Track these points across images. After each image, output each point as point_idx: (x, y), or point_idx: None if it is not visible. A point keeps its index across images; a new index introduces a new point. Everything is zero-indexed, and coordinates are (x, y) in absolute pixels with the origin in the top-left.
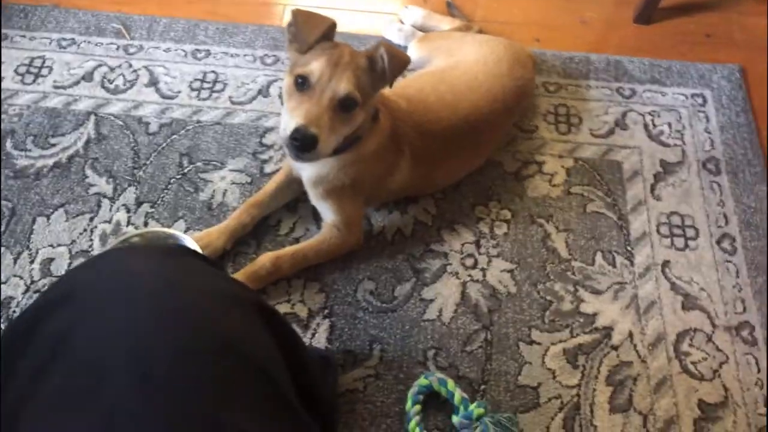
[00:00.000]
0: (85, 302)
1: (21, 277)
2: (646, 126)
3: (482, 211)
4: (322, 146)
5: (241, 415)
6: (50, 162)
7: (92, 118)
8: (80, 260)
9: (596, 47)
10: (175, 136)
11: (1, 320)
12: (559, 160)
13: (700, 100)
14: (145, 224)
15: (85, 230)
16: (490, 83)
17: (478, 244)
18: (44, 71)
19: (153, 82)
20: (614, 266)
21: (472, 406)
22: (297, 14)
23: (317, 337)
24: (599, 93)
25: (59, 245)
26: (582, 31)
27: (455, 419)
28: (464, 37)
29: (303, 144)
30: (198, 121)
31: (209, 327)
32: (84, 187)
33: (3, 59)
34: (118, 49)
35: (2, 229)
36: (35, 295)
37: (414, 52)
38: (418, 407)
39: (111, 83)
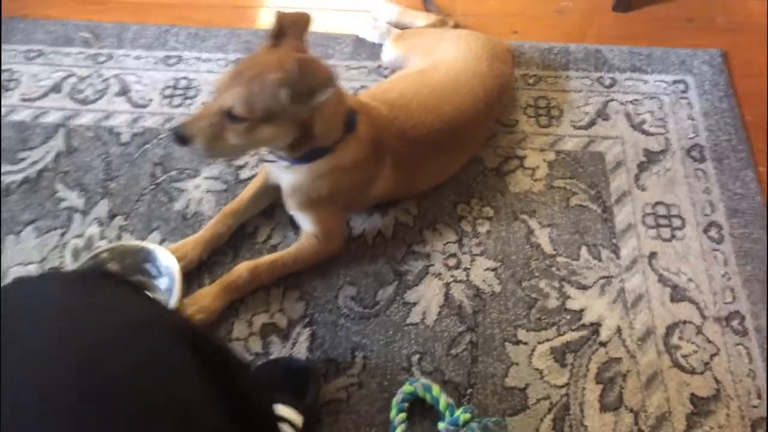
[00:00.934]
0: None
1: None
2: (628, 115)
3: (464, 209)
4: (202, 147)
5: None
6: (19, 177)
7: (62, 130)
8: None
9: (575, 37)
10: (147, 146)
11: None
12: (540, 154)
13: (682, 87)
14: (119, 237)
15: (56, 246)
16: (472, 84)
17: (460, 243)
18: (11, 84)
19: (124, 91)
20: (600, 260)
21: (458, 412)
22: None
23: (298, 347)
24: (579, 83)
25: (30, 263)
26: (560, 21)
27: (441, 426)
28: (441, 34)
29: (175, 138)
30: (171, 129)
31: (111, 362)
32: (54, 201)
33: None
34: (87, 58)
35: None
36: None
37: (390, 52)
38: (403, 415)
39: (80, 94)
